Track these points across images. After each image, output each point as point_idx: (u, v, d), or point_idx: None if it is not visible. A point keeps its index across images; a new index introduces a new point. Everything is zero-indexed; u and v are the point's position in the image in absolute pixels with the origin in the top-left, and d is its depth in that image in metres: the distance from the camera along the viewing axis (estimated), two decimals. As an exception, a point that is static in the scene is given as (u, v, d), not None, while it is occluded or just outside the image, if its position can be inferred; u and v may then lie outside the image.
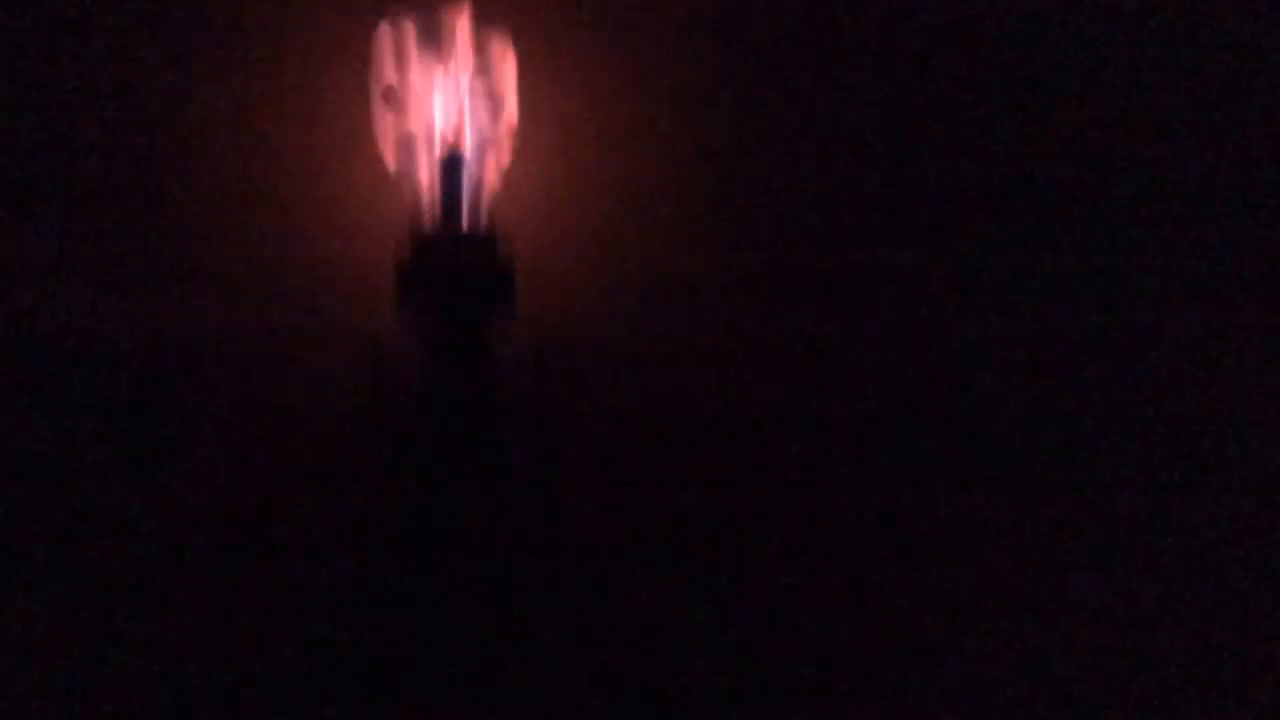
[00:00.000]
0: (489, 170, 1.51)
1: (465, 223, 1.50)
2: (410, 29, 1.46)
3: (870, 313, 1.61)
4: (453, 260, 1.49)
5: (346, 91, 1.52)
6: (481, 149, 1.51)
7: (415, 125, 1.48)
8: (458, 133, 1.49)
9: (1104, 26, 1.61)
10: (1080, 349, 1.57)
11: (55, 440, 1.56)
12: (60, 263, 1.57)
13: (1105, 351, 1.59)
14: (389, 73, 1.46)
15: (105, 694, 1.60)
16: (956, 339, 1.59)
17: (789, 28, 1.58)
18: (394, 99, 1.46)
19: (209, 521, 1.59)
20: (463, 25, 1.45)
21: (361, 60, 1.51)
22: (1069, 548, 1.57)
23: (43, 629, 1.61)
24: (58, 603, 1.59)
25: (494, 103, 1.49)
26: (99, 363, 1.53)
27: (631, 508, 1.59)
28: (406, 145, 1.49)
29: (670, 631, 1.58)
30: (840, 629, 1.58)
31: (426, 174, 1.50)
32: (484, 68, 1.46)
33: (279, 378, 1.53)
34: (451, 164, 1.49)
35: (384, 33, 1.46)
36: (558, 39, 1.58)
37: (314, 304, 1.54)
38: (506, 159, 1.50)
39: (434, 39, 1.46)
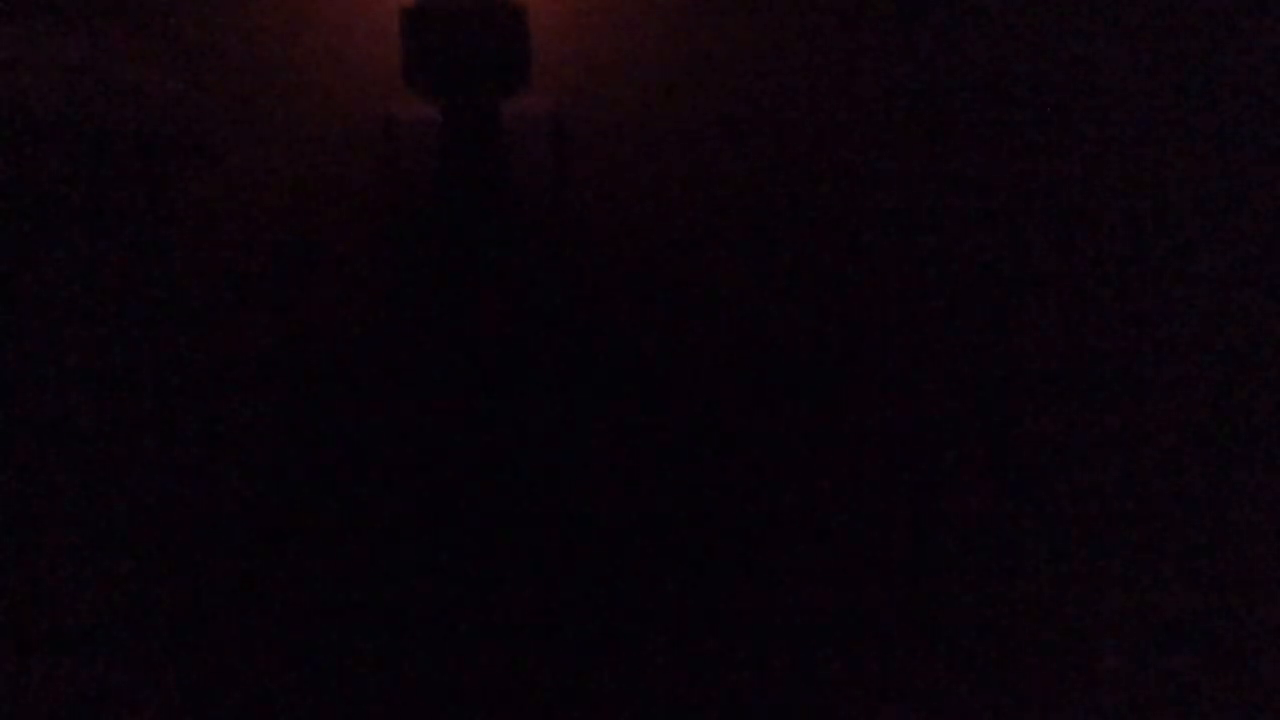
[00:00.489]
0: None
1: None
2: None
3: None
4: (463, 31, 1.41)
5: None
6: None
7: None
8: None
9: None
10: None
11: (36, 232, 1.52)
12: (47, 33, 1.51)
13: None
14: None
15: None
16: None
17: None
18: None
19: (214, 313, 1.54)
20: None
21: None
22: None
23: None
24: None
25: None
26: (92, 143, 1.48)
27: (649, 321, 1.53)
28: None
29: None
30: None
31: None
32: None
33: (286, 160, 1.47)
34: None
35: None
36: None
37: (322, 82, 1.47)
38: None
39: None
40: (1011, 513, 1.54)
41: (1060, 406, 1.54)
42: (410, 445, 1.53)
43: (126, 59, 1.55)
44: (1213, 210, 1.54)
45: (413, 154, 1.53)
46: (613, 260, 1.55)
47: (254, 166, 1.55)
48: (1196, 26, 1.54)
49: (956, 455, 1.53)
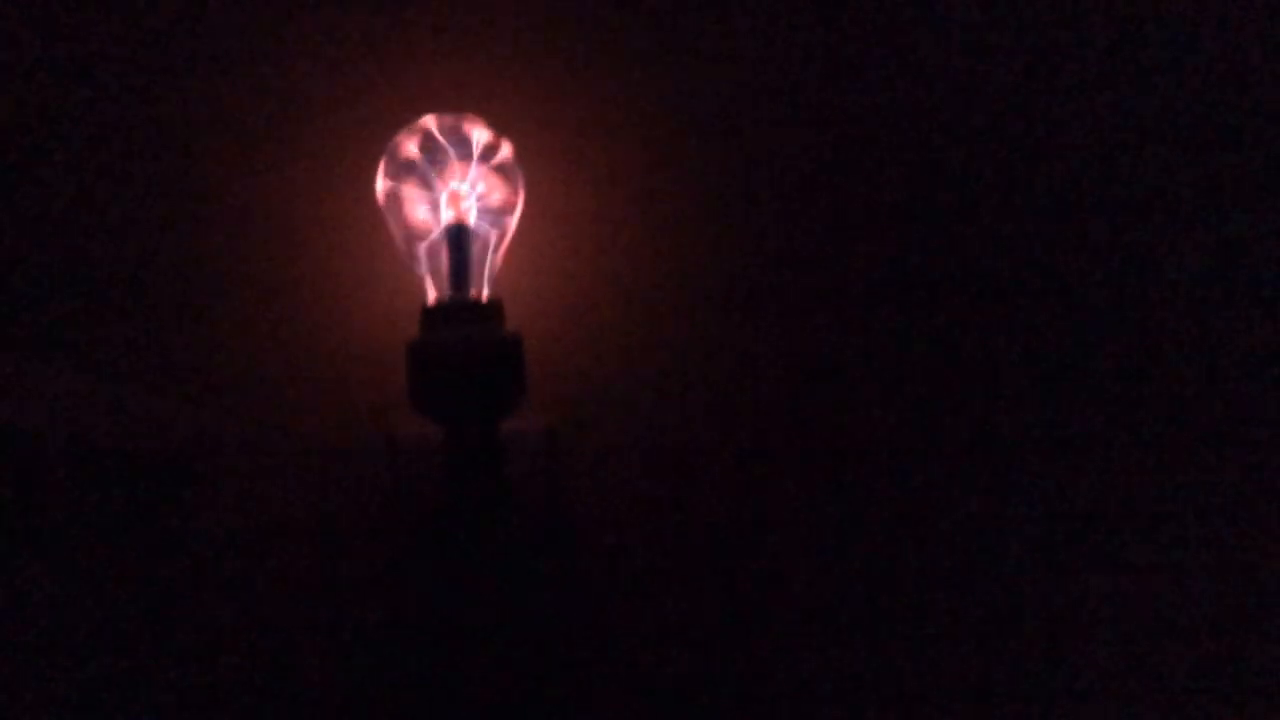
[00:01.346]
0: (494, 249, 1.55)
1: (473, 294, 1.53)
2: (420, 135, 1.51)
3: (887, 361, 1.62)
4: (461, 328, 1.52)
5: (357, 188, 1.57)
6: (486, 231, 1.55)
7: (423, 219, 1.53)
8: (463, 216, 1.53)
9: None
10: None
11: (48, 548, 1.57)
12: (48, 354, 1.59)
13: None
14: (398, 173, 1.51)
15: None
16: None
17: (786, 123, 1.62)
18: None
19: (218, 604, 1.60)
20: (473, 131, 1.51)
21: (372, 159, 1.56)
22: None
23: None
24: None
25: (500, 194, 1.53)
26: (95, 464, 1.54)
27: (650, 584, 1.60)
28: (415, 235, 1.53)
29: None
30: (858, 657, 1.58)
31: (433, 255, 1.54)
32: (492, 169, 1.52)
33: (290, 471, 1.56)
34: (458, 235, 1.53)
35: (397, 140, 1.51)
36: (559, 142, 1.63)
37: (327, 397, 1.57)
38: (508, 241, 1.54)
39: (448, 140, 1.52)
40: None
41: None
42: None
43: (132, 385, 1.63)
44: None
45: (415, 472, 1.61)
46: (605, 566, 1.62)
47: (261, 484, 1.63)
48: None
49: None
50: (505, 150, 1.59)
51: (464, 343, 1.54)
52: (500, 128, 1.60)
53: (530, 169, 1.62)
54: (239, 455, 1.64)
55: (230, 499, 1.63)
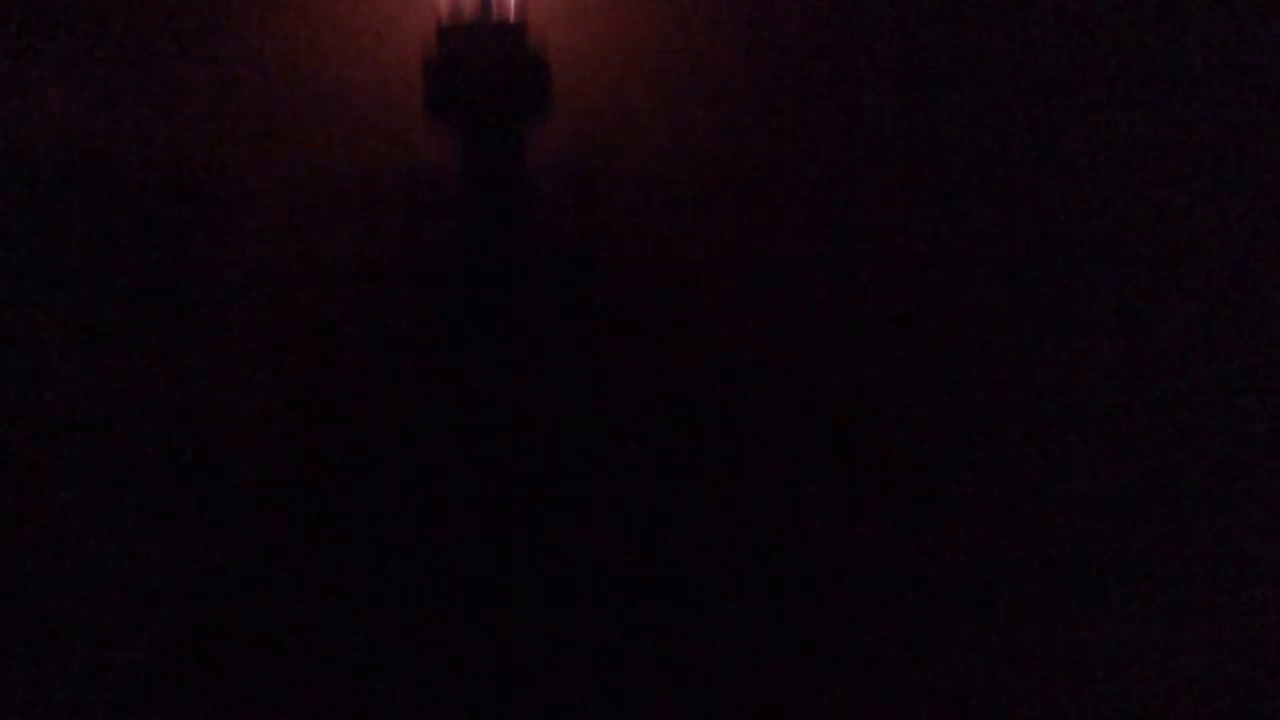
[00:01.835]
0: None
1: (495, 12, 1.47)
2: None
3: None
4: (482, 50, 1.45)
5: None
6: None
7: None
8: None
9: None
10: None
11: (56, 277, 1.54)
12: (60, 71, 1.54)
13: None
14: None
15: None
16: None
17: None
18: None
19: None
20: None
21: None
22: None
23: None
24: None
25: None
26: (107, 183, 1.51)
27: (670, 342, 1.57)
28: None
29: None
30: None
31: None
32: None
33: (309, 194, 1.51)
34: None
35: None
36: None
37: (342, 112, 1.51)
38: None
39: None
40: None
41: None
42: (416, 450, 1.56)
43: (135, 103, 1.59)
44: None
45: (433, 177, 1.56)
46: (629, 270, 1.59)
47: (279, 210, 1.59)
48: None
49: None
50: None
51: (485, 60, 1.49)
52: None
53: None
54: (256, 183, 1.60)
55: (248, 229, 1.60)
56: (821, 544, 1.56)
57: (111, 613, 1.53)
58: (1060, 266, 1.58)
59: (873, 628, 1.55)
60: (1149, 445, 1.57)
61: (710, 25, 1.58)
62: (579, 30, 1.58)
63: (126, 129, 1.57)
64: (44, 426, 1.54)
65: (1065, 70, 1.58)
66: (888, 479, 1.56)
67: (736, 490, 1.56)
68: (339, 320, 1.59)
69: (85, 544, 1.54)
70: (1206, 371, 1.58)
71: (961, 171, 1.56)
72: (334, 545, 1.54)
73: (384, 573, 1.54)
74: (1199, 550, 1.56)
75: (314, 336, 1.58)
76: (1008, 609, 1.56)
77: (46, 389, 1.55)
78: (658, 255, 1.58)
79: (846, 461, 1.55)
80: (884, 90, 1.57)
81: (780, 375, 1.57)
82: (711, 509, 1.55)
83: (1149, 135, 1.59)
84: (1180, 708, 1.54)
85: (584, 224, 1.55)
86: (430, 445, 1.54)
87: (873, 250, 1.58)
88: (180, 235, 1.58)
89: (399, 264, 1.58)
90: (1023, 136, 1.57)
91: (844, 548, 1.56)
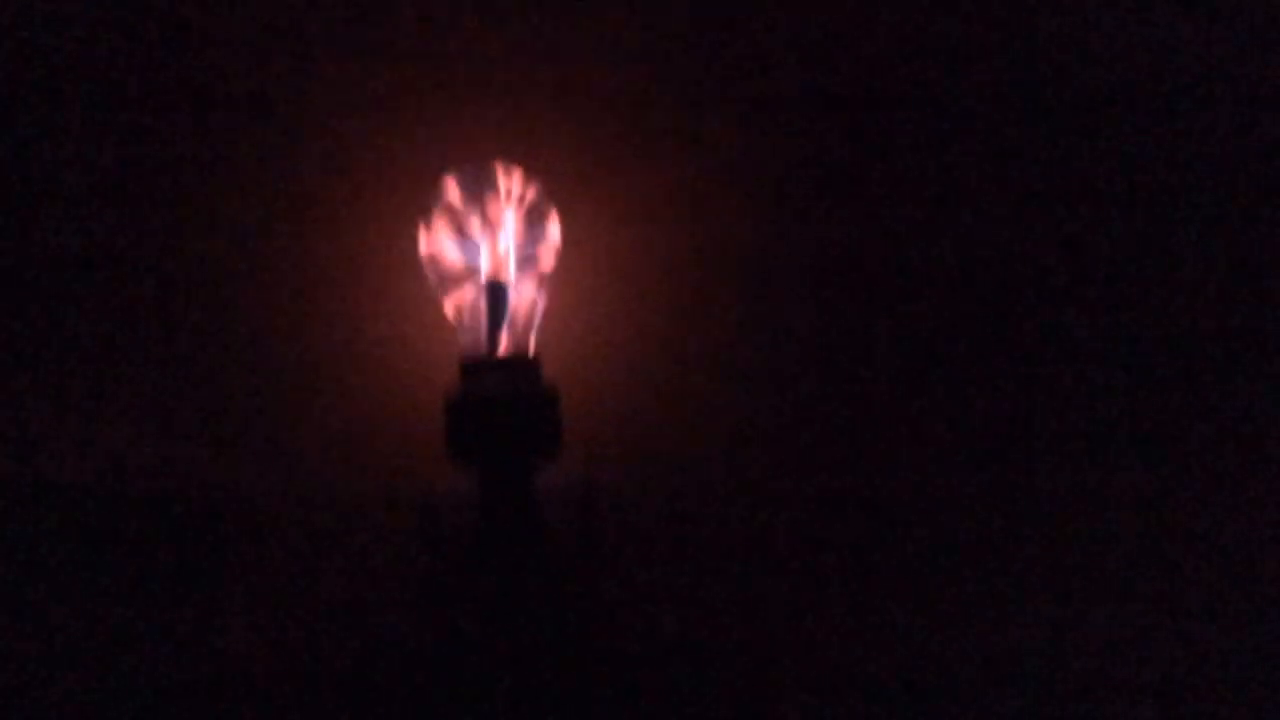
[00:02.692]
0: (531, 303, 1.57)
1: (511, 349, 1.55)
2: (462, 182, 1.54)
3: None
4: (499, 383, 1.54)
5: (399, 242, 1.58)
6: (524, 284, 1.58)
7: (463, 267, 1.55)
8: (502, 269, 1.56)
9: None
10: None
11: (79, 607, 1.56)
12: (86, 402, 1.60)
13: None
14: (440, 223, 1.53)
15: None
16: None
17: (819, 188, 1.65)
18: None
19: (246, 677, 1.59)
20: (512, 181, 1.53)
21: (409, 212, 1.57)
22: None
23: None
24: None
25: (537, 244, 1.55)
26: (127, 514, 1.55)
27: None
28: (453, 288, 1.55)
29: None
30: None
31: (472, 308, 1.56)
32: (530, 217, 1.54)
33: (328, 522, 1.56)
34: (496, 291, 1.55)
35: (442, 184, 1.53)
36: (600, 195, 1.65)
37: (365, 446, 1.59)
38: (546, 300, 1.56)
39: (485, 192, 1.54)
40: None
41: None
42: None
43: (166, 434, 1.64)
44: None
45: (450, 527, 1.62)
46: (639, 619, 1.64)
47: (295, 536, 1.64)
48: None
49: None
50: (546, 205, 1.61)
51: (502, 395, 1.55)
52: (540, 179, 1.62)
53: (569, 222, 1.64)
54: (274, 509, 1.65)
55: (265, 553, 1.64)
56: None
57: None
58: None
59: None
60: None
61: (718, 366, 1.66)
62: (590, 365, 1.67)
63: (145, 455, 1.61)
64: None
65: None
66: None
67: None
68: (346, 642, 1.61)
69: None
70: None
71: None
72: None
73: None
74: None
75: (321, 663, 1.60)
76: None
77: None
78: (666, 589, 1.63)
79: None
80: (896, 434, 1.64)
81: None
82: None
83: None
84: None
85: (591, 559, 1.60)
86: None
87: (889, 581, 1.63)
88: (194, 556, 1.61)
89: (406, 593, 1.62)
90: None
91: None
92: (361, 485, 1.66)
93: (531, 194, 1.60)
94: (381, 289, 1.69)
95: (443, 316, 1.61)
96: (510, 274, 1.60)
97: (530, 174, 1.61)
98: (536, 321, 1.61)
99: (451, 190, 1.60)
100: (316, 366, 1.68)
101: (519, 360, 1.58)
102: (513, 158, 1.63)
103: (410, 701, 1.61)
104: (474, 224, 1.59)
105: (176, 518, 1.60)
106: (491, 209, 1.59)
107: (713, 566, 1.67)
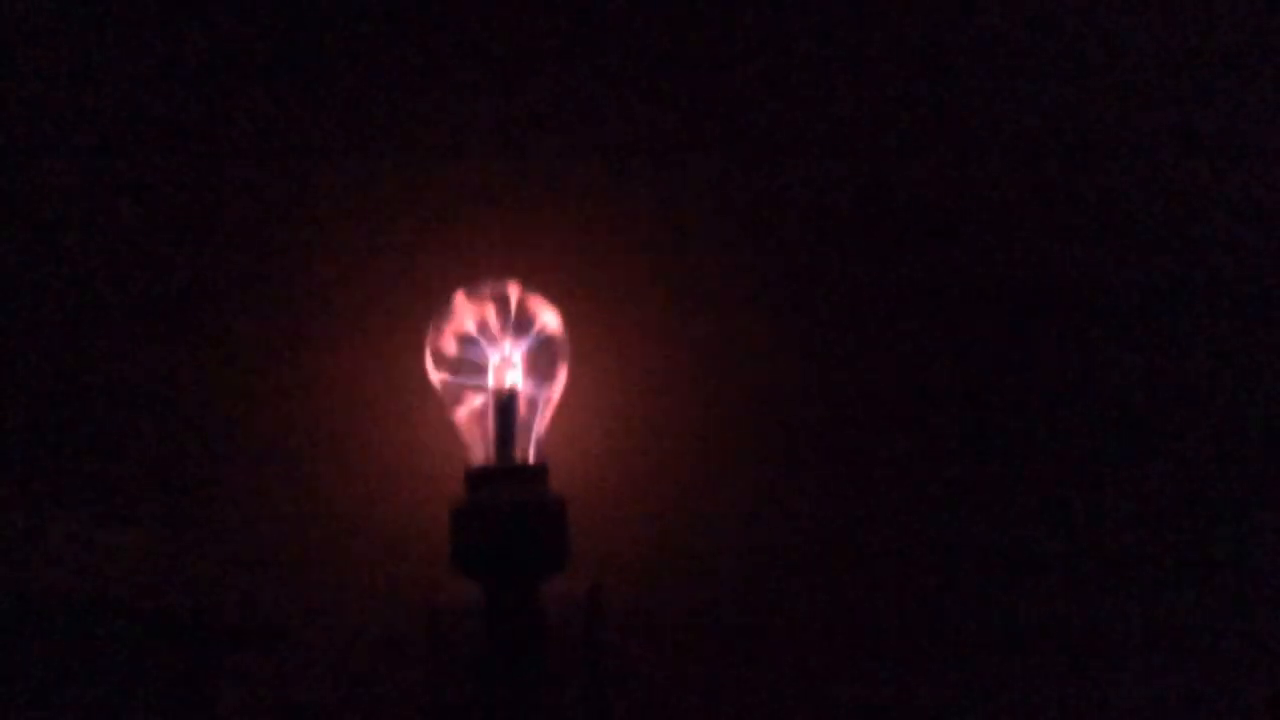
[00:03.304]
0: (540, 413, 1.58)
1: (519, 457, 1.56)
2: (469, 303, 1.56)
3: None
4: (505, 491, 1.54)
5: (403, 358, 1.60)
6: (534, 397, 1.59)
7: (471, 385, 1.56)
8: (510, 382, 1.57)
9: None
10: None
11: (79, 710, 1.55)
12: (85, 507, 1.60)
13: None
14: (448, 341, 1.55)
15: None
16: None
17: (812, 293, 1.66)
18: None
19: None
20: (520, 298, 1.55)
21: (418, 328, 1.59)
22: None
23: None
24: None
25: (546, 363, 1.57)
26: (125, 623, 1.54)
27: None
28: (462, 401, 1.57)
29: None
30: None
31: (480, 420, 1.57)
32: (538, 336, 1.56)
33: (332, 633, 1.57)
34: (505, 402, 1.56)
35: (454, 302, 1.55)
36: (607, 308, 1.67)
37: (371, 557, 1.59)
38: (556, 395, 1.57)
39: (496, 308, 1.57)
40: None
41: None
42: None
43: (185, 548, 1.64)
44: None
45: (457, 638, 1.61)
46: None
47: (299, 649, 1.63)
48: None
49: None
50: (552, 317, 1.63)
51: (509, 505, 1.55)
52: (547, 295, 1.63)
53: (576, 335, 1.65)
54: (278, 619, 1.64)
55: (266, 665, 1.63)
56: None
57: None
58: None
59: None
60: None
61: (726, 471, 1.67)
62: (592, 474, 1.67)
63: (151, 565, 1.61)
64: None
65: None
66: None
67: None
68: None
69: None
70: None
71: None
72: None
73: None
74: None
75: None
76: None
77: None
78: (678, 698, 1.62)
79: None
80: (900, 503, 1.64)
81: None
82: None
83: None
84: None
85: (598, 669, 1.60)
86: None
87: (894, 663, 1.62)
88: (192, 668, 1.60)
89: (411, 705, 1.61)
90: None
91: None
92: (368, 596, 1.65)
93: (538, 308, 1.62)
94: (390, 403, 1.69)
95: (451, 429, 1.62)
96: (519, 384, 1.61)
97: (537, 287, 1.63)
98: (543, 431, 1.62)
99: (461, 305, 1.62)
100: (323, 479, 1.68)
101: (525, 469, 1.58)
102: (520, 273, 1.65)
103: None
104: (483, 337, 1.61)
105: (177, 629, 1.60)
106: (500, 324, 1.61)
107: (728, 674, 1.66)
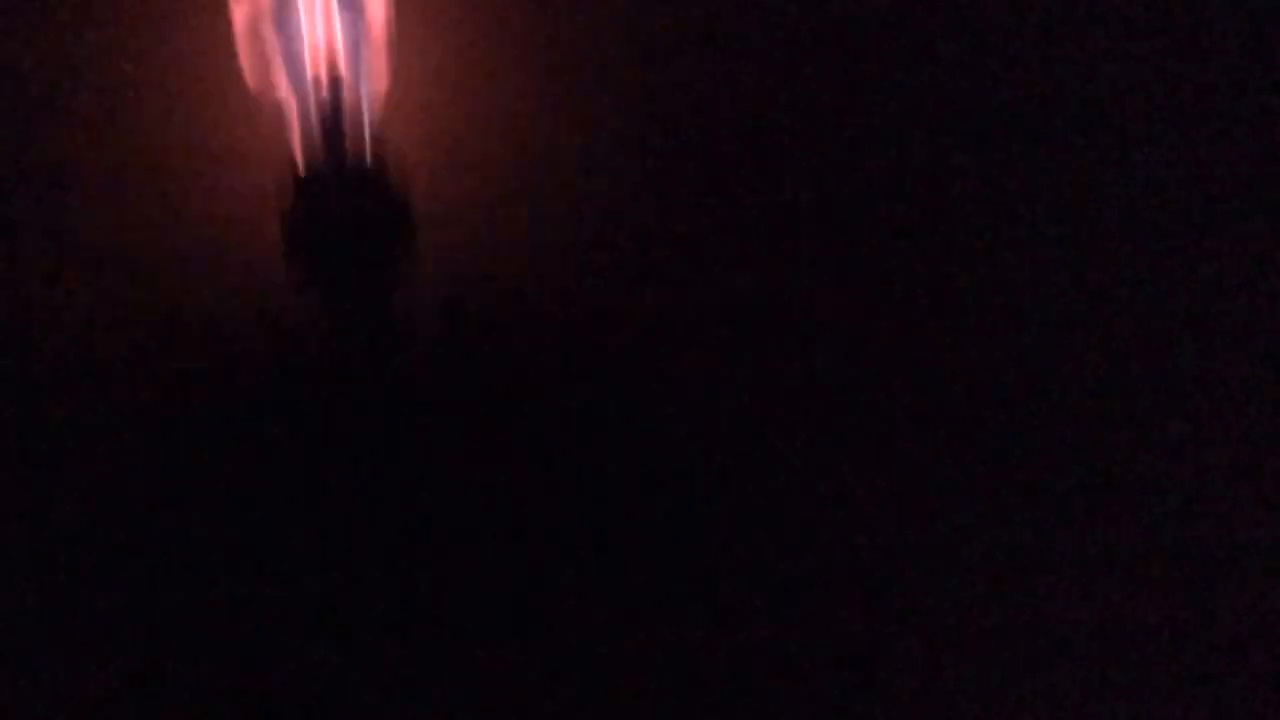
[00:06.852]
0: (368, 94, 1.38)
1: (352, 155, 1.36)
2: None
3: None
4: (343, 199, 1.35)
5: (210, 35, 1.37)
6: (356, 71, 1.37)
7: (282, 52, 1.33)
8: (330, 55, 1.35)
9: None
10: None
11: None
12: None
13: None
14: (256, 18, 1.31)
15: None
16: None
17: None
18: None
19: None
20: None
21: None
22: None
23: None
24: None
25: (361, 18, 1.35)
26: None
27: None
28: (275, 72, 1.35)
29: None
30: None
31: (299, 105, 1.36)
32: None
33: (167, 348, 1.41)
34: (330, 86, 1.34)
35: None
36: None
37: (200, 269, 1.41)
38: (385, 82, 1.36)
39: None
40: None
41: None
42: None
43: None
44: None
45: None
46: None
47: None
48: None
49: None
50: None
51: (344, 213, 1.39)
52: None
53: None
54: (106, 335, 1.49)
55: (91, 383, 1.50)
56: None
57: None
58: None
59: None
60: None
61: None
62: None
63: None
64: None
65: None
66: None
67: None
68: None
69: None
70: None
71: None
72: None
73: None
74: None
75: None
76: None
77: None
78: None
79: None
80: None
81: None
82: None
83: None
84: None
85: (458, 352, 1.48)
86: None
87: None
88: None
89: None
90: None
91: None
92: (201, 310, 1.49)
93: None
94: (203, 102, 1.48)
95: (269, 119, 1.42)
96: (341, 65, 1.40)
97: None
98: (377, 117, 1.42)
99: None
100: (140, 185, 1.48)
101: (363, 171, 1.40)
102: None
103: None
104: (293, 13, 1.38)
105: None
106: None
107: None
